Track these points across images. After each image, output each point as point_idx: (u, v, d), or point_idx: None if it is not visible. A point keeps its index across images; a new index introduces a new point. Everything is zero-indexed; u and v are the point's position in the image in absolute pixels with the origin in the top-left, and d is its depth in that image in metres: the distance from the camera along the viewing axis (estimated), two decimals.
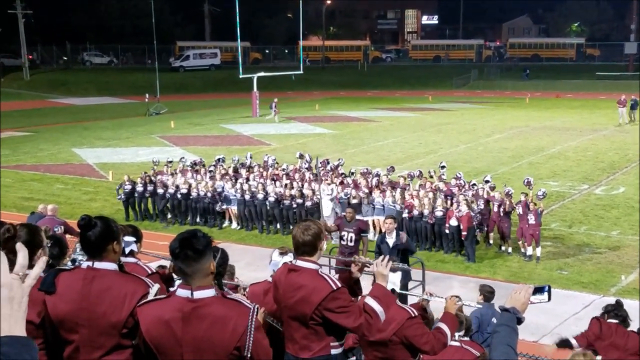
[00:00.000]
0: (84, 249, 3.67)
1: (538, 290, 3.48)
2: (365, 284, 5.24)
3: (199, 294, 3.25)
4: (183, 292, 3.28)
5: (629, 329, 6.61)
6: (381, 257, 4.43)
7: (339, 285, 4.24)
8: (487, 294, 8.99)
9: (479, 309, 7.84)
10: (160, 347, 3.29)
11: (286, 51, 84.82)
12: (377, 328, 4.66)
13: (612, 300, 12.82)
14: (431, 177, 18.60)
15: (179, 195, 18.53)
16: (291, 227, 17.77)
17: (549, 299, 3.48)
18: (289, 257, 5.20)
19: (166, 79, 57.61)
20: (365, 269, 4.68)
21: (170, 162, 21.05)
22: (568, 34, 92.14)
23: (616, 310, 6.63)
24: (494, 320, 7.89)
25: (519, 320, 3.30)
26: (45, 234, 4.03)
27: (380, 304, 4.27)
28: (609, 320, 6.60)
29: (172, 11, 79.17)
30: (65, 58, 71.91)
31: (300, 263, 4.35)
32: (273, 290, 4.54)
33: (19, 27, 60.39)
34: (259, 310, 4.41)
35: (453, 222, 15.53)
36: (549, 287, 3.50)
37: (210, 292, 3.29)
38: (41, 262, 2.12)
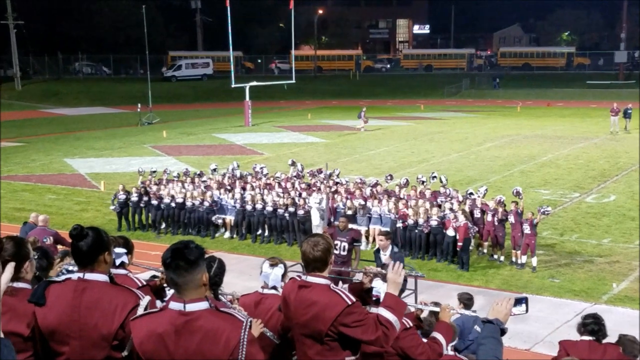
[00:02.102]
0: (75, 259, 3.65)
1: (518, 302, 3.49)
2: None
3: (191, 307, 3.23)
4: (176, 305, 3.26)
5: (607, 340, 6.41)
6: (396, 264, 4.31)
7: (353, 299, 4.14)
8: (466, 301, 8.95)
9: (460, 317, 7.79)
10: None
11: (278, 61, 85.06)
12: (393, 338, 4.53)
13: (604, 308, 12.90)
14: (423, 184, 18.61)
15: (173, 205, 18.53)
16: (283, 237, 17.79)
17: (527, 310, 3.49)
18: (279, 269, 5.17)
19: (158, 88, 57.60)
20: (360, 272, 4.64)
21: (154, 171, 20.97)
22: (558, 43, 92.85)
23: (592, 325, 6.23)
24: (477, 327, 7.87)
25: (502, 331, 3.31)
26: (33, 245, 4.03)
27: (394, 314, 4.15)
28: (582, 338, 6.36)
29: (165, 21, 79.29)
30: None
31: (310, 279, 4.25)
32: (283, 307, 4.44)
33: (11, 37, 60.29)
34: (255, 323, 4.39)
35: (450, 232, 15.57)
36: (526, 299, 3.51)
37: (203, 305, 3.26)
38: (10, 267, 2.14)
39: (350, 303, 4.10)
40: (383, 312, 4.16)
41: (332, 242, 4.37)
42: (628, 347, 6.29)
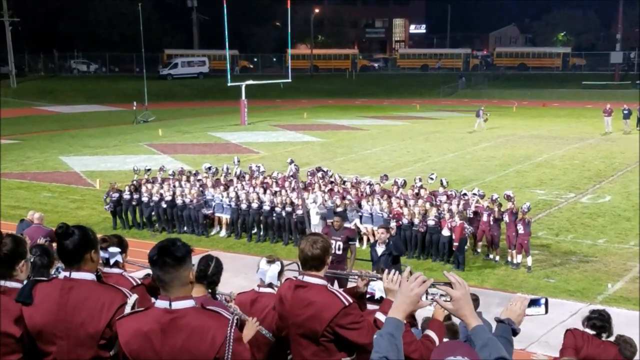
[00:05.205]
0: (62, 258, 3.61)
1: (534, 303, 3.41)
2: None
3: (177, 305, 3.21)
4: (161, 303, 3.24)
5: (610, 338, 6.47)
6: (391, 273, 4.34)
7: (350, 300, 4.13)
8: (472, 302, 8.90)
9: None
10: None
11: (274, 59, 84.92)
12: None
13: (599, 308, 12.91)
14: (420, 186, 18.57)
15: (163, 204, 18.43)
16: (280, 236, 17.74)
17: (546, 311, 3.43)
18: (276, 266, 5.16)
19: (154, 87, 57.47)
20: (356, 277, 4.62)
21: (149, 170, 20.94)
22: (554, 43, 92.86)
23: (595, 320, 6.33)
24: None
25: (514, 332, 3.27)
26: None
27: None
28: (585, 330, 6.44)
29: (161, 19, 78.99)
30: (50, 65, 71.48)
31: (307, 279, 4.23)
32: (278, 307, 4.43)
33: (6, 34, 60.06)
34: (251, 322, 4.37)
35: (445, 232, 15.56)
36: (546, 300, 3.44)
37: (189, 303, 3.24)
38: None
39: (347, 304, 4.08)
40: (381, 317, 4.14)
41: (330, 243, 4.35)
42: (623, 348, 6.35)
